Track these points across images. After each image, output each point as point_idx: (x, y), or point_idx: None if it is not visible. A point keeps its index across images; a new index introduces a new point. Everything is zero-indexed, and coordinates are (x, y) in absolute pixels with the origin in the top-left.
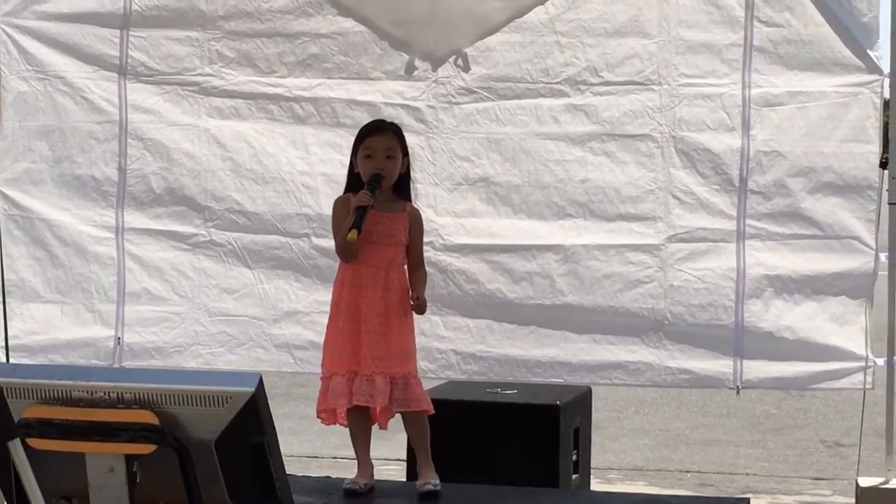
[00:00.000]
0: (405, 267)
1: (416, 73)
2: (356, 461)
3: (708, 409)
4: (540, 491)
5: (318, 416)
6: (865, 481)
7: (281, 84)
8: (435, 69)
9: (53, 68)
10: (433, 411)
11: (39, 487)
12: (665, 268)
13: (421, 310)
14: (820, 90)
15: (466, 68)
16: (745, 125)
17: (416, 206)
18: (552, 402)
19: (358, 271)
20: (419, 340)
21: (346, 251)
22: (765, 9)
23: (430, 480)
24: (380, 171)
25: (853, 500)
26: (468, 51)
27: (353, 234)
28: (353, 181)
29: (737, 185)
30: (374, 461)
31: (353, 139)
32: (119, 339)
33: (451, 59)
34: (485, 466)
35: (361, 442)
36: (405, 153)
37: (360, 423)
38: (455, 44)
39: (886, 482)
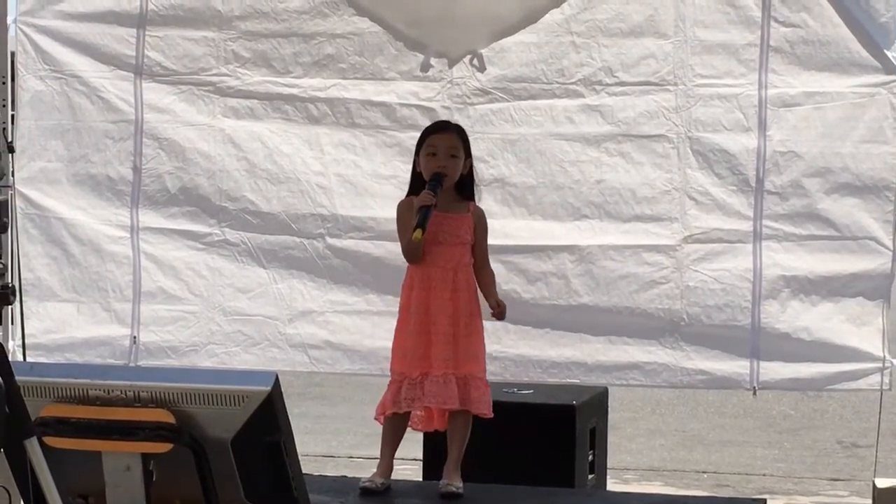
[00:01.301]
0: (471, 267)
1: (431, 73)
2: (377, 460)
3: (724, 409)
4: (556, 491)
5: (378, 419)
6: (882, 482)
7: (296, 84)
8: (451, 67)
9: (70, 67)
10: (490, 415)
11: (56, 486)
12: (681, 268)
13: (502, 315)
14: (837, 91)
15: (482, 68)
16: (762, 126)
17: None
18: (568, 403)
19: (427, 273)
20: None
21: (412, 253)
22: (782, 9)
23: (455, 483)
24: (442, 169)
25: (870, 502)
26: (483, 51)
27: (417, 234)
28: (416, 181)
29: (753, 185)
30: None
31: (367, 139)
32: (135, 337)
33: (467, 59)
34: (501, 466)
35: (390, 443)
36: (468, 154)
37: (396, 425)
38: (471, 44)
39: None
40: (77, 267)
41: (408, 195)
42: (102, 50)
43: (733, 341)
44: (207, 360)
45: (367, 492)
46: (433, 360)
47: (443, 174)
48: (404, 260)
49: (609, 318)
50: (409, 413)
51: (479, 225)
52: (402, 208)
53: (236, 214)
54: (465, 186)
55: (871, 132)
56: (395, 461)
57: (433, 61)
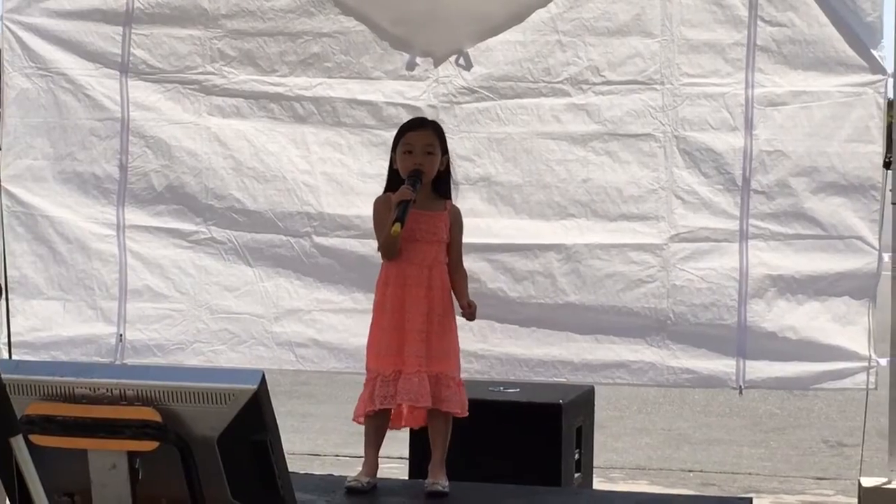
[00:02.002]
0: (446, 265)
1: (416, 72)
2: (363, 459)
3: (710, 408)
4: (542, 490)
5: (357, 420)
6: (868, 481)
7: (282, 83)
8: (436, 66)
9: (56, 65)
10: (465, 414)
11: (42, 484)
12: (668, 267)
13: (472, 316)
14: (823, 90)
15: (468, 67)
16: (749, 125)
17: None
18: (555, 401)
19: (402, 270)
20: None
21: (389, 248)
22: (768, 8)
23: (440, 482)
24: (419, 166)
25: (856, 501)
26: (469, 50)
27: (396, 228)
28: (393, 178)
29: (740, 184)
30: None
31: (353, 138)
32: (121, 335)
33: (453, 59)
34: (487, 465)
35: (374, 443)
36: (445, 151)
37: (378, 424)
38: (456, 43)
39: (889, 482)
40: (63, 265)
41: (384, 192)
42: (88, 48)
43: (719, 340)
44: (194, 358)
45: (352, 491)
46: (406, 358)
47: (420, 171)
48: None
49: (595, 316)
50: (389, 411)
51: (456, 224)
52: (379, 204)
53: (223, 213)
54: (442, 184)
55: (857, 131)
56: (381, 460)
57: (419, 60)
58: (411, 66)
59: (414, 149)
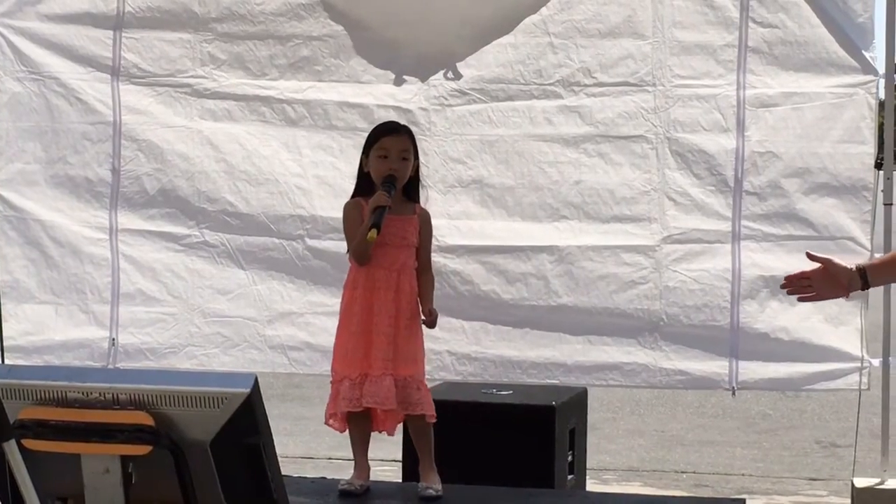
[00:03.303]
0: (415, 270)
1: (405, 80)
2: (353, 462)
3: (703, 409)
4: (535, 492)
5: (328, 423)
6: (861, 482)
7: (273, 86)
8: (424, 80)
9: (47, 69)
10: (435, 418)
11: (35, 488)
12: (660, 269)
13: (433, 324)
14: (815, 91)
15: (457, 78)
16: (740, 126)
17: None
18: (548, 403)
19: (371, 274)
20: None
21: (362, 254)
22: (760, 10)
23: (433, 485)
24: (394, 171)
25: (848, 501)
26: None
27: (372, 234)
28: (364, 181)
29: (732, 186)
30: (370, 462)
31: (344, 141)
32: (113, 339)
33: (442, 73)
34: (480, 467)
35: (360, 445)
36: (416, 156)
37: (361, 427)
38: (446, 46)
39: (882, 483)
40: (55, 269)
41: (353, 196)
42: (79, 51)
43: (712, 341)
44: (186, 361)
45: (346, 494)
46: (373, 361)
47: (394, 177)
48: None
49: (588, 318)
50: (370, 413)
51: (425, 227)
52: (350, 209)
53: (215, 216)
54: (412, 188)
55: (848, 132)
56: (374, 463)
57: (406, 77)
58: (398, 83)
59: (389, 154)
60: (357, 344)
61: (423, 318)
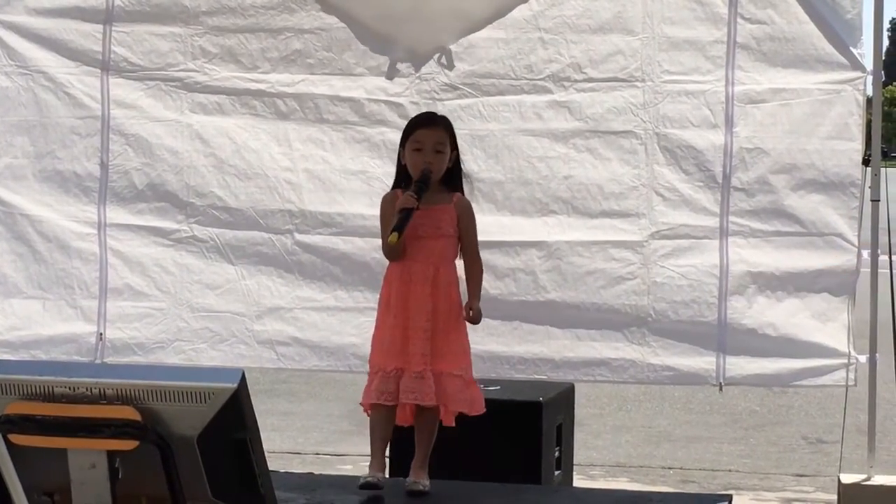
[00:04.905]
0: (455, 262)
1: (399, 67)
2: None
3: (691, 405)
4: (522, 487)
5: (366, 412)
6: (847, 478)
7: (264, 80)
8: (417, 69)
9: (36, 63)
10: (476, 413)
11: (21, 483)
12: (648, 264)
13: (476, 320)
14: (803, 87)
15: (450, 66)
16: (729, 122)
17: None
18: (535, 399)
19: (408, 267)
20: None
21: (389, 252)
22: (748, 6)
23: (421, 481)
24: (429, 165)
25: (835, 497)
26: (452, 47)
27: (393, 237)
28: (401, 173)
29: (720, 181)
30: (356, 457)
31: (336, 135)
32: (101, 334)
33: (435, 58)
34: (467, 463)
35: (380, 437)
36: (454, 147)
37: (383, 417)
38: (439, 40)
39: (868, 479)
40: (43, 264)
41: (393, 188)
42: (69, 45)
43: (700, 337)
44: (174, 356)
45: (369, 486)
46: (411, 356)
47: (430, 173)
48: (374, 256)
49: (576, 313)
50: (395, 407)
51: (465, 216)
52: (386, 203)
53: (204, 210)
54: (452, 178)
55: (837, 129)
56: (360, 458)
57: (399, 66)
58: (392, 74)
59: (424, 146)
60: (393, 338)
61: (464, 314)
